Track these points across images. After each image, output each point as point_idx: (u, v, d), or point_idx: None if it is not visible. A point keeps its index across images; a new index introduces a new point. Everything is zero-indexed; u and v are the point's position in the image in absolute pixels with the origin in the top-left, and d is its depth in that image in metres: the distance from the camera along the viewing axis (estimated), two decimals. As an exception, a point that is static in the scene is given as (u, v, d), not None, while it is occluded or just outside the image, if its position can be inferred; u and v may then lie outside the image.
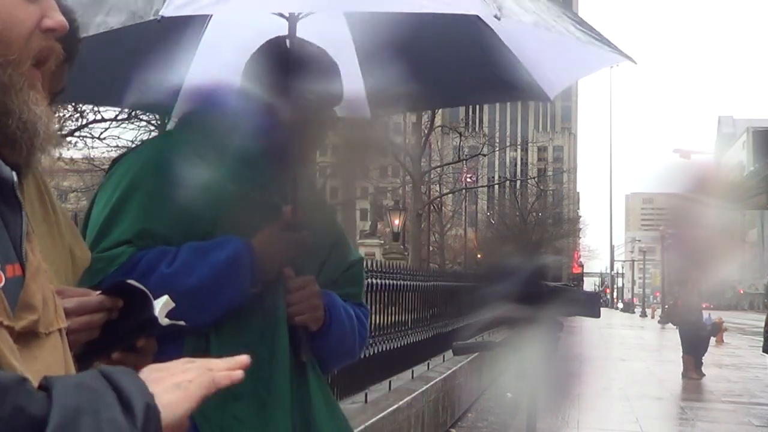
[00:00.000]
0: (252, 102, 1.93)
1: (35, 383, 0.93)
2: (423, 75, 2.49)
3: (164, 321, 1.19)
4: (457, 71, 2.62)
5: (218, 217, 1.85)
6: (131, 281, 1.20)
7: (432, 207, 38.59)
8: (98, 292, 1.20)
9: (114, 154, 19.96)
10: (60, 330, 1.05)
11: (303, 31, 2.09)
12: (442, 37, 2.43)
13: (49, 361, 1.00)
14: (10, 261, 0.99)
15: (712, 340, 26.22)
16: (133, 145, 2.06)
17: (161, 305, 1.20)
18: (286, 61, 1.98)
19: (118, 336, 1.20)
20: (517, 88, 2.48)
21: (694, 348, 15.02)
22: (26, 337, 0.97)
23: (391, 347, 7.42)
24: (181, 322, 1.23)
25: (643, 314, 59.58)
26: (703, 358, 15.33)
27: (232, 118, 1.91)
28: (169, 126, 2.36)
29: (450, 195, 44.94)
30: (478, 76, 2.59)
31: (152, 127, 19.04)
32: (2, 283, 0.95)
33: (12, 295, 0.97)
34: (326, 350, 2.04)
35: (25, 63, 1.02)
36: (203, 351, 1.77)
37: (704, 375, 15.03)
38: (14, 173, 1.05)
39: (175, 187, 1.77)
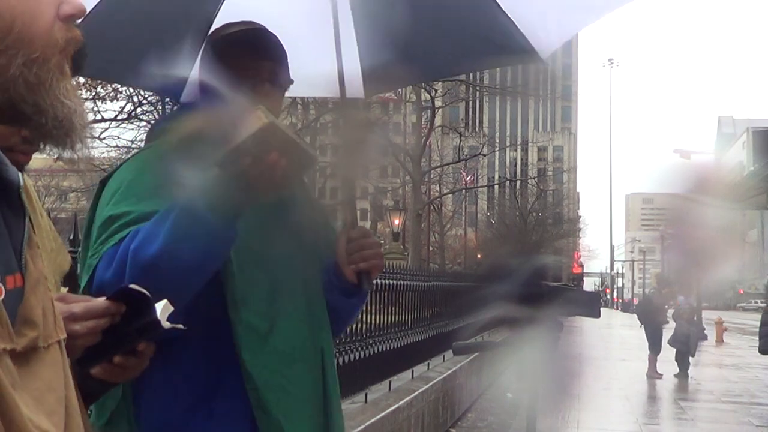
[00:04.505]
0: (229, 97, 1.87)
1: (36, 401, 0.90)
2: (418, 46, 2.42)
3: (166, 324, 1.20)
4: (449, 37, 2.53)
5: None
6: (133, 286, 1.20)
7: (432, 207, 38.57)
8: (104, 298, 1.20)
9: (114, 154, 19.97)
10: (59, 341, 1.01)
11: (300, 6, 2.09)
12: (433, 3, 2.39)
13: (49, 376, 0.96)
14: (11, 271, 0.94)
15: (712, 340, 26.21)
16: (119, 164, 1.95)
17: (161, 308, 1.20)
18: (245, 48, 1.88)
19: (121, 339, 1.20)
20: (509, 51, 2.37)
21: (657, 348, 15.09)
22: (26, 354, 0.93)
23: (391, 347, 7.42)
24: (180, 326, 1.23)
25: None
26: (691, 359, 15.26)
27: (214, 117, 1.86)
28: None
29: (450, 195, 44.93)
30: (467, 40, 2.50)
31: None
32: (2, 296, 0.90)
33: (12, 307, 0.92)
34: (354, 309, 2.07)
35: (51, 58, 0.93)
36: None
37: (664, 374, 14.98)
38: (21, 176, 1.00)
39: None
